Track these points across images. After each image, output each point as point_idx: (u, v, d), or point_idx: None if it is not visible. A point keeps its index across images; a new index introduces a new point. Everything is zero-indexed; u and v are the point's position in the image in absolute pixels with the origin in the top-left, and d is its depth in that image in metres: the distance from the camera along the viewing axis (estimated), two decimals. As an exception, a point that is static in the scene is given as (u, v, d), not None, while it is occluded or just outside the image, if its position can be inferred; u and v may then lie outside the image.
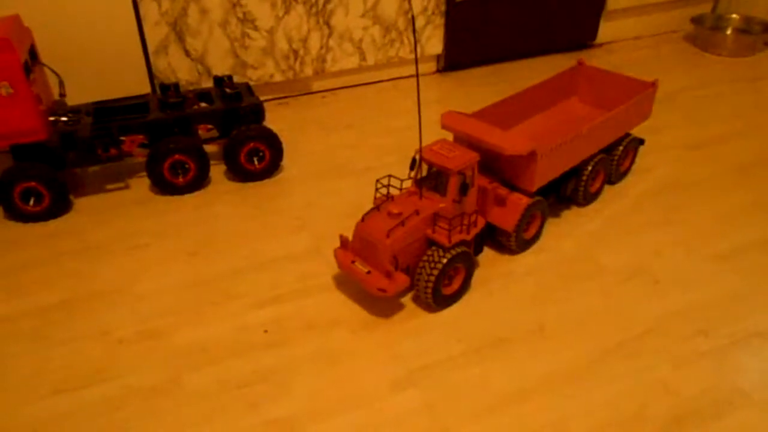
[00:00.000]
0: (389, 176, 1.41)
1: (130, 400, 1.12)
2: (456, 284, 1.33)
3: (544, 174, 1.42)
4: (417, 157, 1.33)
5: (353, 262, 1.28)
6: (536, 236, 1.51)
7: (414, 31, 1.16)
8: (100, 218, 1.60)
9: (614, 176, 1.70)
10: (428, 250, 1.28)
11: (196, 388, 1.14)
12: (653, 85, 1.67)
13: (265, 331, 1.26)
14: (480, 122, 1.43)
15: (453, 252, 1.26)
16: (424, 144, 1.33)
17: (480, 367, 1.18)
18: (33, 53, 1.58)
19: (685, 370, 1.17)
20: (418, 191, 1.33)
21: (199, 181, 1.70)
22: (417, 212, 1.28)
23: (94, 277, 1.41)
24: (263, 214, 1.62)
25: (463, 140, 1.43)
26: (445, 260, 1.25)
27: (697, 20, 2.70)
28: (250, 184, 1.75)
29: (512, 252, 1.48)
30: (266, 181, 1.76)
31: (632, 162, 1.76)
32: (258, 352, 1.21)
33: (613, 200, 1.67)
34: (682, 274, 1.41)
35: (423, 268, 1.26)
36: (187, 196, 1.69)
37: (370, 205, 1.60)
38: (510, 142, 1.35)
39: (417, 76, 1.24)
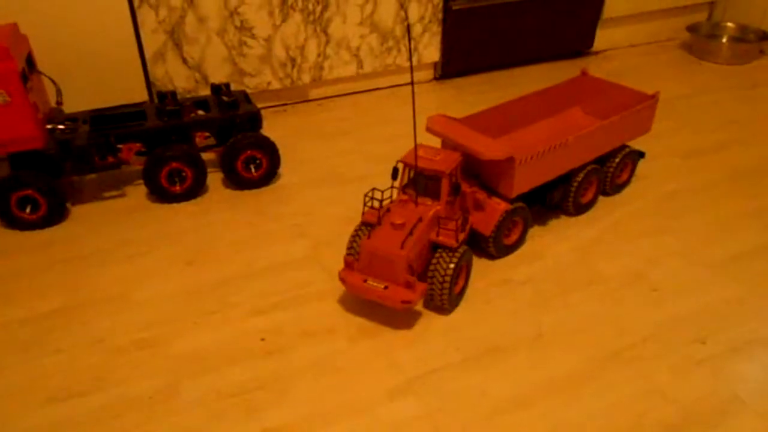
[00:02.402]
0: (373, 189, 1.41)
1: (127, 408, 1.11)
2: (461, 282, 1.34)
3: (524, 181, 1.42)
4: (399, 165, 1.34)
5: (365, 281, 1.26)
6: (518, 243, 1.50)
7: (410, 39, 1.16)
8: (97, 226, 1.60)
9: (609, 188, 1.68)
10: (435, 253, 1.28)
11: (194, 396, 1.14)
12: (653, 97, 1.65)
13: (263, 339, 1.26)
14: (463, 127, 1.44)
15: (460, 252, 1.27)
16: (401, 151, 1.33)
17: (478, 375, 1.18)
18: (30, 61, 1.58)
19: (682, 378, 1.17)
20: (410, 199, 1.34)
21: (196, 189, 1.69)
22: (420, 219, 1.28)
23: (91, 285, 1.40)
24: (260, 221, 1.62)
25: (449, 144, 1.44)
26: (455, 261, 1.26)
27: (692, 28, 2.71)
28: (248, 192, 1.75)
29: (492, 257, 1.48)
30: (263, 188, 1.76)
31: (631, 175, 1.73)
32: (255, 360, 1.21)
33: (610, 208, 1.67)
34: (679, 282, 1.41)
35: (435, 273, 1.26)
36: (184, 204, 1.69)
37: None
38: (488, 147, 1.36)
39: (412, 84, 1.24)
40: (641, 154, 1.72)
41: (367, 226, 1.35)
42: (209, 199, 1.72)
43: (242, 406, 1.12)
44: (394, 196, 1.42)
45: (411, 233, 1.26)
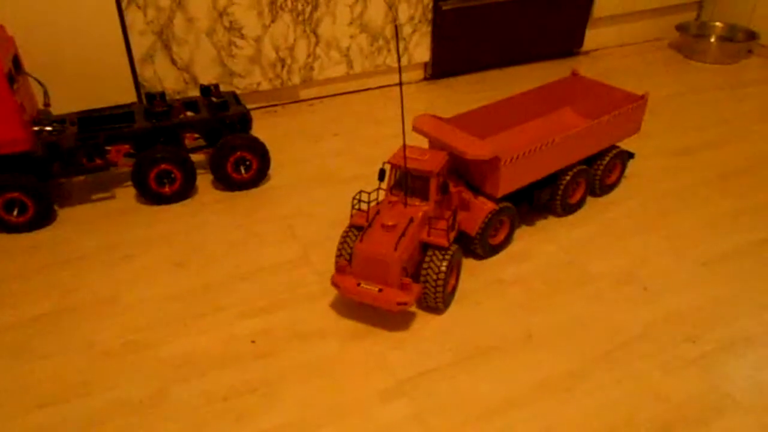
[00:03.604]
0: (361, 191, 1.41)
1: (116, 413, 1.10)
2: (453, 281, 1.34)
3: (510, 180, 1.42)
4: (386, 167, 1.33)
5: (359, 284, 1.26)
6: (505, 243, 1.50)
7: (398, 40, 1.16)
8: (86, 229, 1.59)
9: (598, 189, 1.67)
10: (427, 253, 1.28)
11: (183, 400, 1.13)
12: (642, 98, 1.65)
13: (253, 342, 1.25)
14: (449, 126, 1.44)
15: (451, 251, 1.28)
16: (392, 152, 1.32)
17: (469, 376, 1.18)
18: (17, 63, 1.57)
19: (673, 377, 1.17)
20: (398, 200, 1.34)
21: (186, 191, 1.68)
22: (411, 220, 1.28)
23: (80, 288, 1.39)
24: (250, 223, 1.61)
25: (435, 144, 1.44)
26: (447, 260, 1.26)
27: (681, 28, 2.72)
28: (238, 193, 1.74)
29: (479, 257, 1.48)
30: (253, 190, 1.76)
31: (620, 175, 1.73)
32: (246, 363, 1.20)
33: (600, 207, 1.67)
34: (669, 280, 1.42)
35: (428, 273, 1.26)
36: (173, 206, 1.68)
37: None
38: (473, 146, 1.35)
39: (401, 85, 1.24)
40: (630, 155, 1.72)
41: (356, 228, 1.34)
42: (199, 200, 1.71)
43: (233, 410, 1.11)
44: (381, 197, 1.41)
45: (403, 234, 1.26)
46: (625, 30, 2.79)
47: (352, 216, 1.36)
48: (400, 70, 1.22)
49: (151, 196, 1.66)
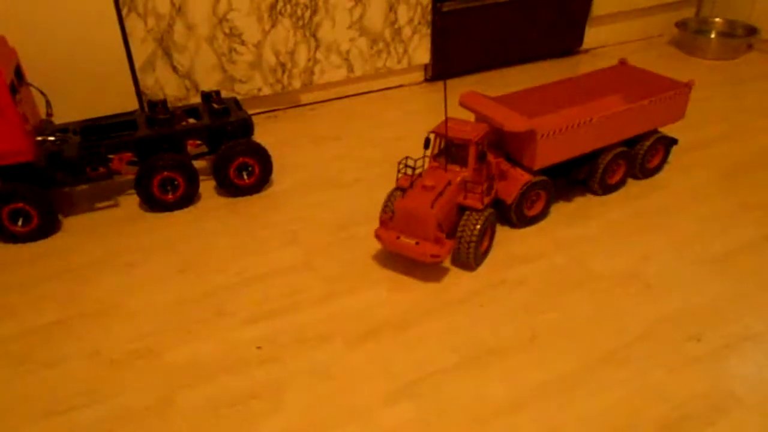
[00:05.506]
0: (407, 157, 1.53)
1: (123, 421, 1.11)
2: (486, 242, 1.46)
3: (547, 155, 1.50)
4: (431, 136, 1.48)
5: (398, 237, 1.38)
6: (540, 215, 1.59)
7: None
8: (90, 237, 1.60)
9: (640, 171, 1.73)
10: (464, 214, 1.41)
11: (189, 406, 1.13)
12: (686, 85, 1.69)
13: (259, 348, 1.26)
14: (492, 102, 1.54)
15: (485, 213, 1.40)
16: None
17: (474, 377, 1.18)
18: (19, 73, 1.58)
19: (678, 376, 1.17)
20: (440, 166, 1.47)
21: (189, 198, 1.69)
22: (449, 183, 1.41)
23: (84, 296, 1.40)
24: (253, 228, 1.62)
25: (479, 118, 1.56)
26: (481, 222, 1.38)
27: (681, 24, 2.72)
28: (240, 199, 1.74)
29: (514, 226, 1.56)
30: (256, 195, 1.76)
31: (663, 160, 1.78)
32: (251, 368, 1.21)
33: (602, 206, 1.67)
34: (673, 279, 1.41)
35: (463, 232, 1.39)
36: (176, 213, 1.69)
37: (360, 217, 1.63)
38: (510, 119, 1.45)
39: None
40: (674, 141, 1.76)
41: (400, 190, 1.48)
42: (202, 207, 1.72)
43: (238, 416, 1.11)
44: (426, 165, 1.58)
45: (440, 195, 1.38)
46: (624, 28, 2.79)
47: (397, 179, 1.51)
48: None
49: (154, 203, 1.67)
